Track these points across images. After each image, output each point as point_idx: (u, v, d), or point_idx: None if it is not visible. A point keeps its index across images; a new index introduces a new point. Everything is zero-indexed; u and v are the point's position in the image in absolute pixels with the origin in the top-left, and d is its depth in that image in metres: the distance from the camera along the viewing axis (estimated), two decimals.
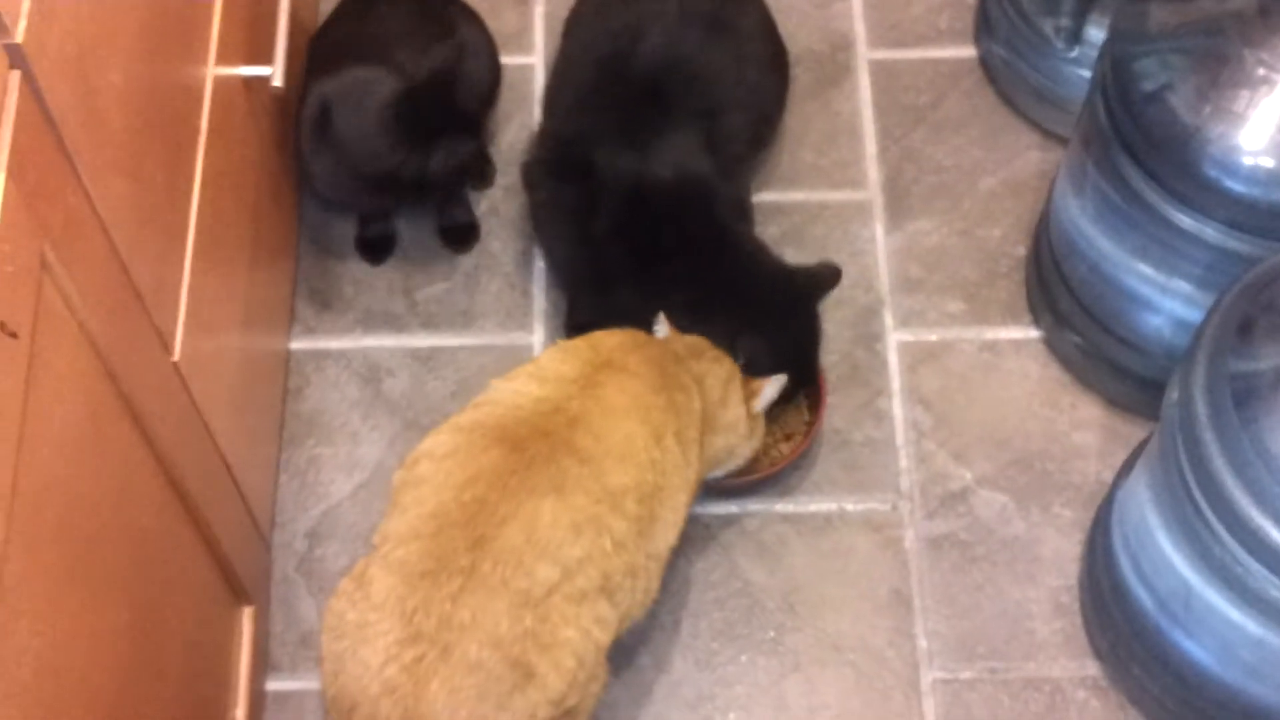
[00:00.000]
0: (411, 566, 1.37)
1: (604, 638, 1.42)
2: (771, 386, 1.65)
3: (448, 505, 1.39)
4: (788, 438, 1.78)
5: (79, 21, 1.08)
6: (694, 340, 1.64)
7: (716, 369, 1.61)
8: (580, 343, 1.56)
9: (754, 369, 1.66)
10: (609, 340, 1.56)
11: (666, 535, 1.51)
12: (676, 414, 1.51)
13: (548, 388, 1.49)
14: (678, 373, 1.56)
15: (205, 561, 1.45)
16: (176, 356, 1.30)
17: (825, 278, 1.76)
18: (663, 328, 1.65)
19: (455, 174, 1.79)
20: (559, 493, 1.40)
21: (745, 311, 1.70)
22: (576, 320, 1.82)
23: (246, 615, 1.59)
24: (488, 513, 1.38)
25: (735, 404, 1.61)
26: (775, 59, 1.93)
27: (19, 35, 0.97)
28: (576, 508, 1.40)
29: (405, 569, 1.37)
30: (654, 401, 1.49)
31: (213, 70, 1.44)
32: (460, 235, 1.93)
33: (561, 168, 1.77)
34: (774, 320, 1.72)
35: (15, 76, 0.98)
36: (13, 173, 0.96)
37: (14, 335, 0.96)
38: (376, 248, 1.92)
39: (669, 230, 1.72)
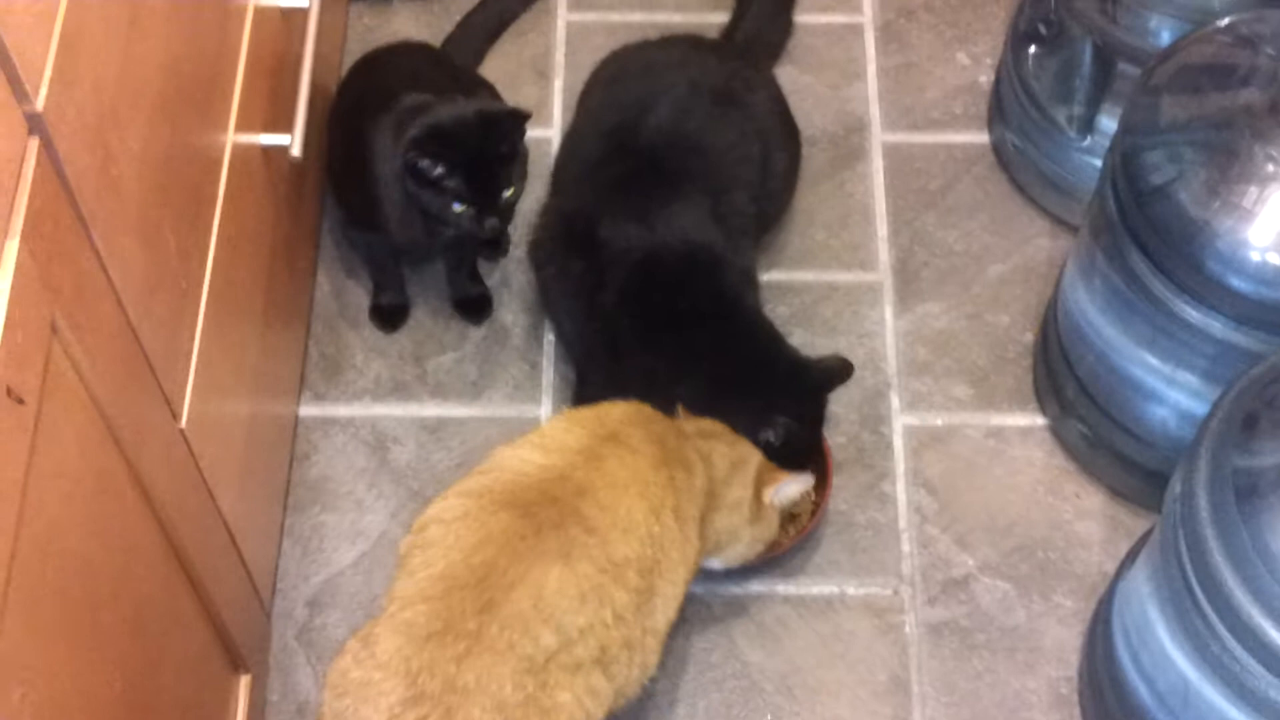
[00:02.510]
0: (418, 628, 1.37)
1: (597, 710, 1.41)
2: (794, 484, 1.65)
3: (457, 568, 1.39)
4: (793, 518, 1.77)
5: (100, 89, 1.09)
6: (709, 423, 1.65)
7: (725, 449, 1.62)
8: (587, 413, 1.57)
9: (768, 456, 1.66)
10: (614, 413, 1.56)
11: (666, 611, 1.50)
12: (675, 491, 1.52)
13: (552, 457, 1.49)
14: (680, 449, 1.56)
15: (203, 628, 1.45)
16: (184, 423, 1.31)
17: (838, 371, 1.76)
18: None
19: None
20: (566, 560, 1.40)
21: (758, 399, 1.69)
22: (586, 394, 1.83)
23: (243, 684, 1.59)
24: (497, 576, 1.38)
25: (741, 485, 1.61)
26: (785, 136, 1.94)
27: (40, 103, 0.99)
28: (583, 576, 1.40)
29: (412, 630, 1.37)
30: (654, 477, 1.50)
31: (232, 138, 1.46)
32: (474, 307, 1.94)
33: (566, 243, 1.78)
34: (788, 410, 1.71)
35: (34, 143, 0.99)
36: (27, 239, 0.97)
37: (21, 401, 0.96)
38: (390, 316, 1.93)
39: (675, 303, 1.73)
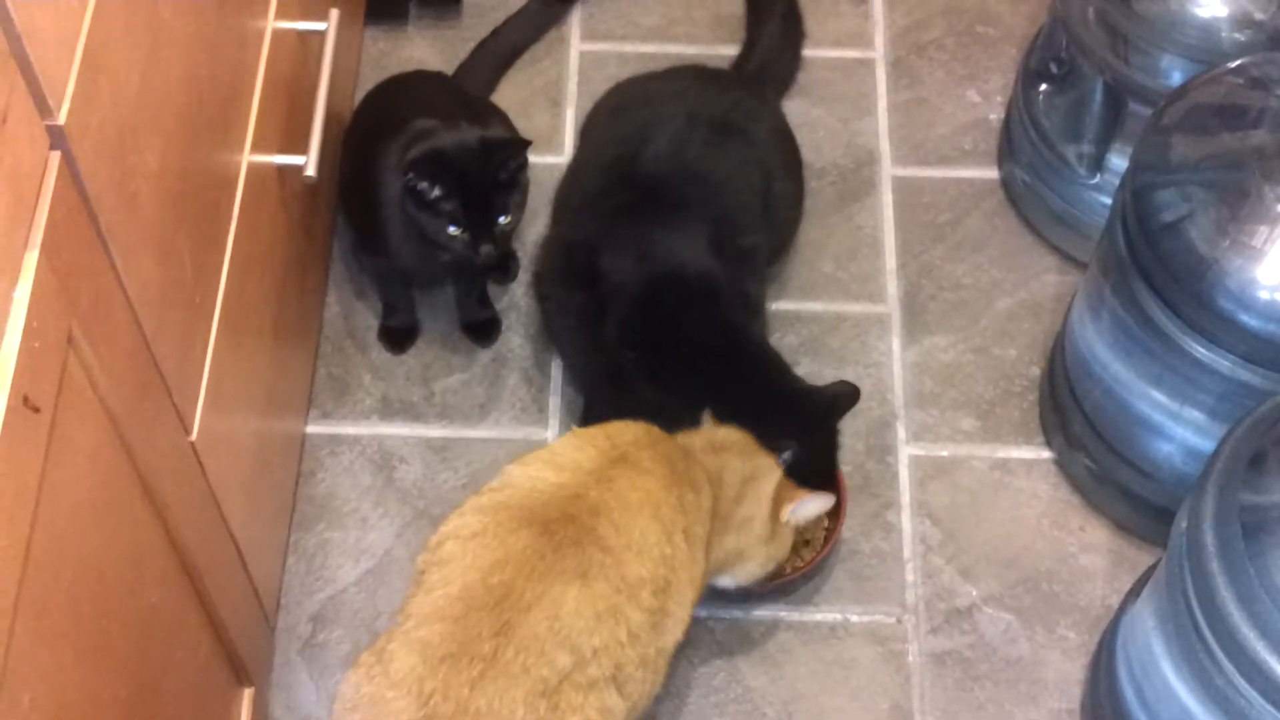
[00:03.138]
0: (434, 649, 1.37)
1: None
2: (814, 502, 1.64)
3: (474, 588, 1.39)
4: (806, 544, 1.78)
5: (121, 105, 1.10)
6: (727, 434, 1.64)
7: (738, 464, 1.61)
8: (597, 432, 1.57)
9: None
10: (624, 434, 1.56)
11: (675, 631, 1.51)
12: (685, 512, 1.52)
13: (564, 475, 1.49)
14: (689, 469, 1.56)
15: (209, 640, 1.46)
16: (194, 436, 1.32)
17: (844, 397, 1.76)
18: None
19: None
20: (584, 579, 1.40)
21: (760, 426, 1.69)
22: (594, 420, 1.83)
23: (246, 697, 1.59)
24: (514, 598, 1.38)
25: (753, 502, 1.61)
26: (789, 165, 1.95)
27: (61, 117, 1.00)
28: (599, 595, 1.40)
29: (427, 650, 1.37)
30: (665, 499, 1.50)
31: (248, 157, 1.47)
32: (483, 330, 1.96)
33: (568, 275, 1.79)
34: (792, 436, 1.71)
35: (55, 157, 1.00)
36: (46, 250, 0.98)
37: (37, 410, 0.97)
38: (399, 338, 1.95)
39: (676, 335, 1.73)
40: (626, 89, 1.96)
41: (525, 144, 1.75)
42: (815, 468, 1.73)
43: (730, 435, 1.64)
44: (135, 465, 1.19)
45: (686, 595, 1.52)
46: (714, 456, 1.61)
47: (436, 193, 1.71)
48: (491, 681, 1.35)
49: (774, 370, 1.76)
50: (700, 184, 1.80)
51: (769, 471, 1.63)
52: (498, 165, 1.72)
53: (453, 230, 1.72)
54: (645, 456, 1.53)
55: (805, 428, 1.73)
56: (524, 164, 1.75)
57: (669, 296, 1.74)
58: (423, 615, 1.40)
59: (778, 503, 1.62)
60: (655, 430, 1.60)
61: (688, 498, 1.53)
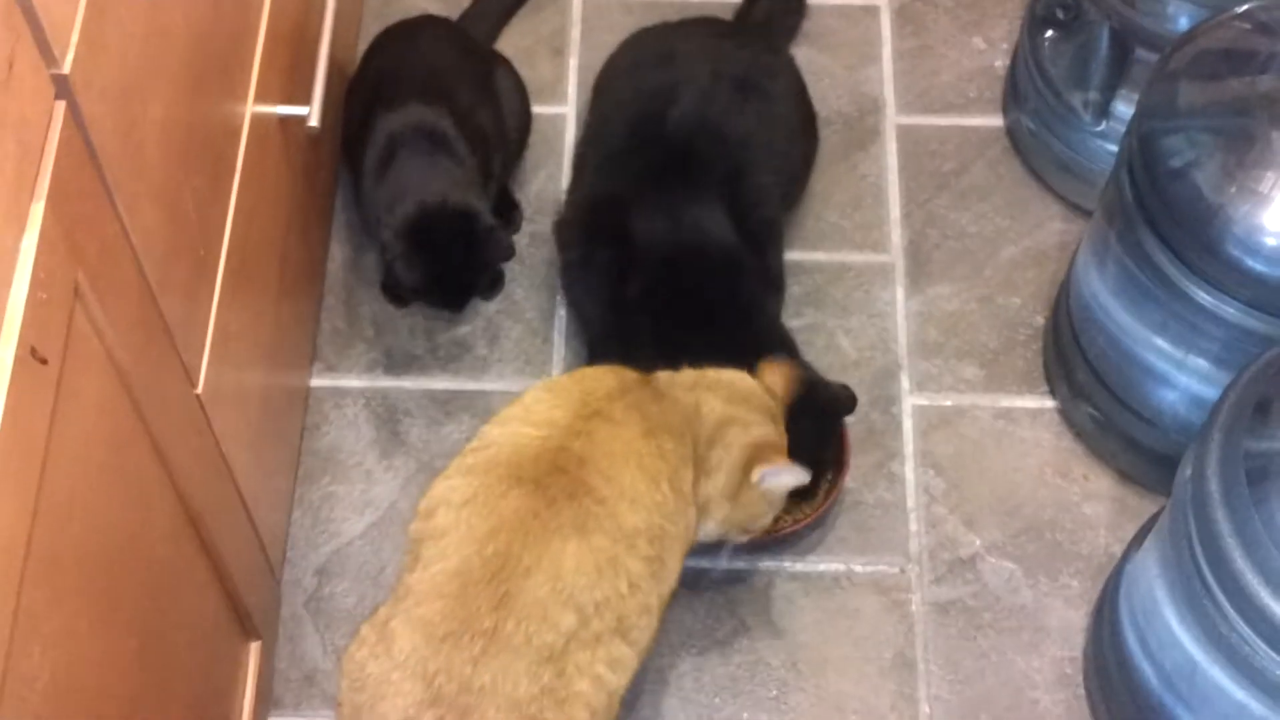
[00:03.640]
0: (435, 627, 1.36)
1: (619, 680, 1.41)
2: (788, 475, 1.54)
3: (470, 561, 1.38)
4: (808, 498, 1.77)
5: (125, 55, 1.10)
6: (717, 374, 1.57)
7: (718, 404, 1.53)
8: (568, 384, 1.53)
9: None
10: (591, 386, 1.51)
11: (670, 580, 1.49)
12: (666, 460, 1.48)
13: (543, 430, 1.47)
14: (665, 415, 1.51)
15: (215, 593, 1.46)
16: (200, 389, 1.32)
17: (843, 402, 1.75)
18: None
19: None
20: (582, 533, 1.39)
21: None
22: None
23: (253, 650, 1.60)
24: (511, 565, 1.37)
25: (721, 449, 1.52)
26: (805, 122, 1.95)
27: (66, 66, 0.99)
28: (598, 548, 1.39)
29: (428, 629, 1.36)
30: (644, 448, 1.46)
31: (251, 108, 1.46)
32: (505, 214, 1.95)
33: (593, 229, 1.78)
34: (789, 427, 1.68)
35: (60, 107, 0.99)
36: (53, 201, 0.97)
37: (44, 361, 0.97)
38: (402, 292, 1.94)
39: (699, 302, 1.73)
40: (644, 42, 1.94)
41: (510, 251, 1.80)
42: (805, 452, 1.69)
43: (727, 377, 1.57)
44: (142, 418, 1.19)
45: (679, 544, 1.51)
46: (690, 393, 1.54)
47: (416, 275, 1.77)
48: (493, 657, 1.34)
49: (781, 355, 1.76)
50: (726, 148, 1.79)
51: (754, 425, 1.55)
52: (480, 251, 1.77)
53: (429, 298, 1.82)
54: (617, 408, 1.49)
55: (795, 419, 1.70)
56: (506, 252, 1.80)
57: (694, 268, 1.73)
58: (422, 592, 1.38)
59: (752, 458, 1.52)
60: (627, 375, 1.54)
61: (667, 445, 1.48)
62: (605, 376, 1.53)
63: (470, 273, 1.79)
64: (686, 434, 1.52)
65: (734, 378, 1.58)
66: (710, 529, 1.57)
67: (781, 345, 1.77)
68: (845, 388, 1.78)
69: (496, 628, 1.35)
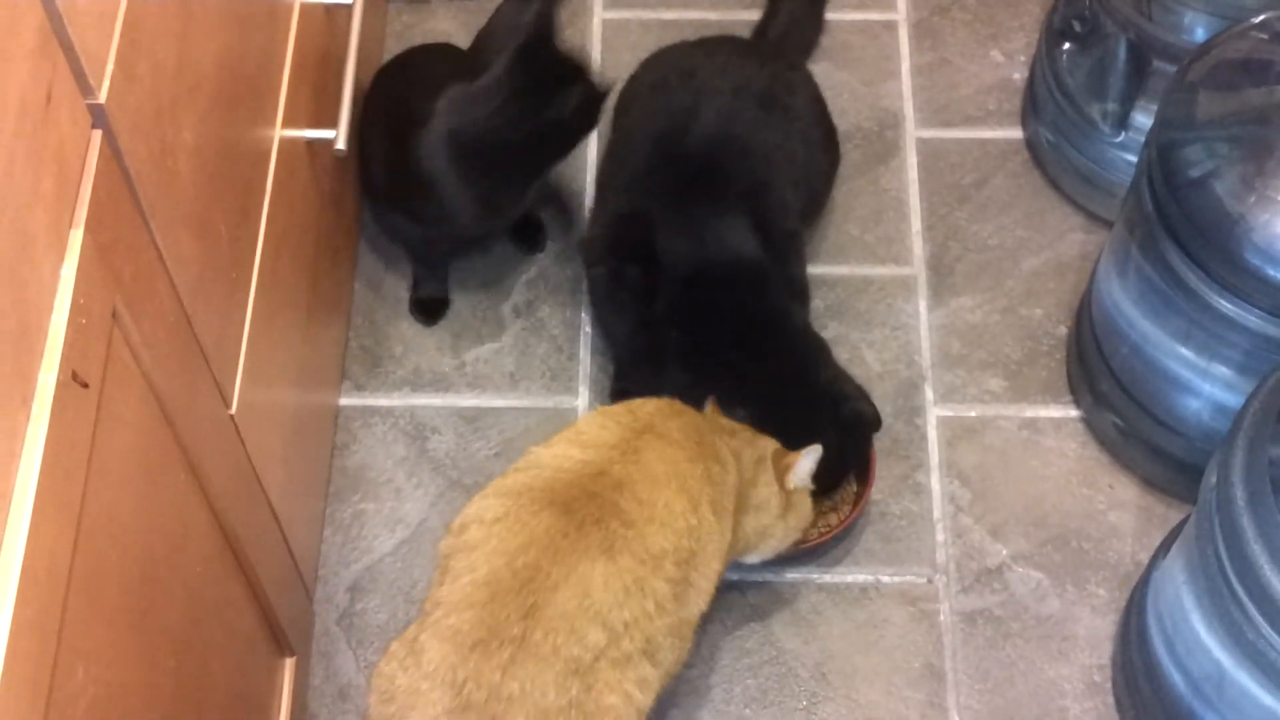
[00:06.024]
0: (464, 636, 1.38)
1: (646, 699, 1.43)
2: (807, 459, 1.62)
3: (500, 572, 1.40)
4: (834, 509, 1.79)
5: (158, 83, 1.12)
6: (729, 423, 1.66)
7: (748, 450, 1.62)
8: (620, 409, 1.58)
9: None
10: (648, 407, 1.57)
11: (698, 602, 1.52)
12: (712, 484, 1.53)
13: (589, 453, 1.50)
14: (714, 443, 1.57)
15: (251, 611, 1.48)
16: (234, 409, 1.34)
17: (865, 420, 1.76)
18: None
19: (581, 116, 1.80)
20: (609, 555, 1.41)
21: (788, 427, 1.68)
22: (622, 386, 1.85)
23: (288, 666, 1.62)
24: (540, 579, 1.39)
25: (765, 484, 1.62)
26: (825, 137, 1.96)
27: (102, 96, 1.01)
28: (625, 569, 1.42)
29: (457, 638, 1.38)
30: (691, 470, 1.51)
31: (279, 132, 1.49)
32: (530, 234, 1.99)
33: (622, 246, 1.80)
34: (811, 437, 1.68)
35: (97, 135, 1.02)
36: (91, 227, 1.00)
37: (85, 385, 0.99)
38: (430, 309, 1.96)
39: (726, 319, 1.74)
40: (666, 61, 1.95)
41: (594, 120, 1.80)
42: (825, 471, 1.69)
43: (732, 423, 1.66)
44: (178, 439, 1.20)
45: (712, 566, 1.53)
46: (730, 438, 1.62)
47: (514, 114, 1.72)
48: (521, 665, 1.36)
49: (808, 366, 1.77)
50: (749, 163, 1.81)
51: (769, 447, 1.64)
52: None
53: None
54: (672, 428, 1.54)
55: (821, 432, 1.71)
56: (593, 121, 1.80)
57: (721, 282, 1.75)
58: (451, 603, 1.40)
59: (779, 475, 1.62)
60: (679, 404, 1.61)
61: (714, 470, 1.54)
62: (660, 402, 1.59)
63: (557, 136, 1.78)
64: (733, 466, 1.58)
65: (738, 424, 1.66)
66: (776, 545, 1.67)
67: (813, 351, 1.78)
68: (870, 405, 1.77)
69: (525, 636, 1.37)
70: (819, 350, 1.79)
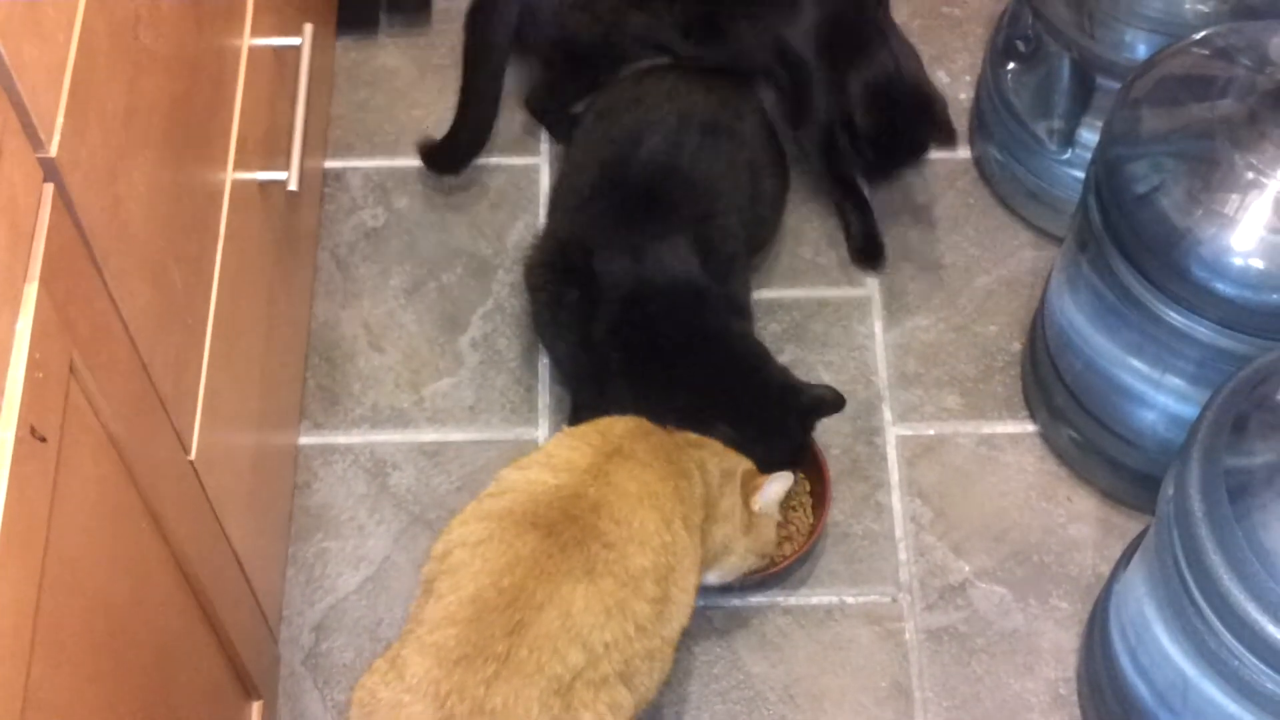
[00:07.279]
0: (448, 651, 1.38)
1: None
2: (776, 484, 1.64)
3: (485, 591, 1.41)
4: (787, 538, 1.80)
5: (108, 133, 1.12)
6: (695, 436, 1.67)
7: (715, 460, 1.64)
8: (589, 430, 1.59)
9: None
10: (617, 429, 1.58)
11: (680, 616, 1.53)
12: (681, 500, 1.54)
13: (562, 476, 1.51)
14: (681, 459, 1.59)
15: (216, 656, 1.47)
16: (193, 454, 1.33)
17: (827, 401, 1.77)
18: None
19: None
20: (590, 577, 1.42)
21: (740, 422, 1.71)
22: (580, 416, 1.85)
23: (254, 710, 1.61)
24: (525, 597, 1.40)
25: (731, 494, 1.63)
26: (774, 162, 1.97)
27: (53, 149, 1.01)
28: (606, 591, 1.42)
29: (441, 653, 1.38)
30: (662, 488, 1.52)
31: (231, 175, 1.48)
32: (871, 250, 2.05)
33: (562, 271, 1.81)
34: (767, 433, 1.73)
35: (49, 189, 1.01)
36: (45, 281, 0.99)
37: (43, 439, 0.99)
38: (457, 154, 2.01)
39: (665, 335, 1.76)
40: (615, 89, 1.97)
41: None
42: (784, 460, 1.73)
43: (699, 437, 1.67)
44: (138, 488, 1.20)
45: (689, 580, 1.54)
46: (696, 450, 1.63)
47: None
48: (506, 680, 1.37)
49: (753, 366, 1.78)
50: (691, 185, 1.82)
51: (738, 464, 1.66)
52: None
53: None
54: (640, 448, 1.55)
55: (782, 421, 1.74)
56: None
57: (657, 301, 1.76)
58: (435, 620, 1.41)
59: (745, 493, 1.64)
60: (645, 423, 1.62)
61: (683, 486, 1.55)
62: (627, 421, 1.60)
63: None
64: (699, 479, 1.59)
65: (705, 438, 1.67)
66: (736, 564, 1.67)
67: (755, 353, 1.79)
68: (828, 389, 1.78)
69: (510, 652, 1.37)
70: (761, 353, 1.80)
